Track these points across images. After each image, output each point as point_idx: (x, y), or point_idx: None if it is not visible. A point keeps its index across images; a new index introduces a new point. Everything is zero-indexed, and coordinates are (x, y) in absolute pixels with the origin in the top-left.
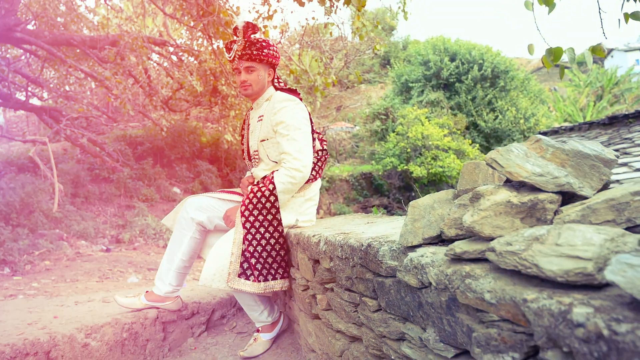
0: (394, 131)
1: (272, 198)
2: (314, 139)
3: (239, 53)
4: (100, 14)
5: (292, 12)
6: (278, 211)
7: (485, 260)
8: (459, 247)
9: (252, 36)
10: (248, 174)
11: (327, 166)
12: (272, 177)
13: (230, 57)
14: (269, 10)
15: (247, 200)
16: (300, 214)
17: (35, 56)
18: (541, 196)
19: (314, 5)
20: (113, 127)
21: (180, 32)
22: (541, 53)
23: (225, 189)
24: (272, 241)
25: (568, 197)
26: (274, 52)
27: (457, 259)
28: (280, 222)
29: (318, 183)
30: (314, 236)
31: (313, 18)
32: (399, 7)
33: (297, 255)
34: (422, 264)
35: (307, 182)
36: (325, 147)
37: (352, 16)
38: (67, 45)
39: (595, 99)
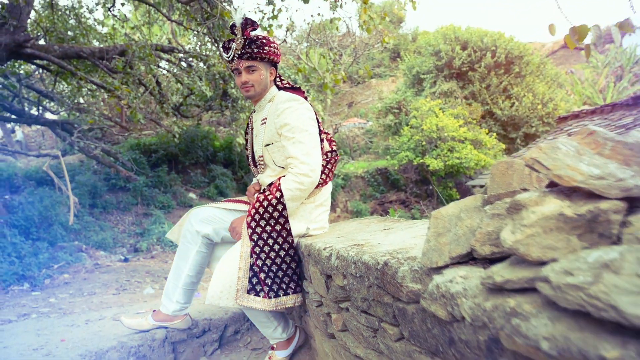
0: (407, 124)
1: (279, 207)
2: (322, 140)
3: (238, 52)
4: (109, 25)
5: (297, 10)
6: (287, 220)
7: (534, 289)
8: (500, 274)
9: (251, 33)
10: (254, 180)
11: (342, 163)
12: (279, 184)
13: (228, 58)
14: (273, 9)
15: (253, 210)
16: (311, 221)
17: (48, 70)
18: (603, 205)
19: (319, 1)
20: (127, 136)
21: (188, 38)
22: (560, 34)
23: (232, 198)
24: (282, 253)
25: (634, 204)
26: (275, 49)
27: (498, 288)
28: (289, 232)
29: (329, 187)
30: (324, 249)
31: (318, 14)
32: None
33: (308, 268)
34: (452, 293)
35: (316, 187)
36: (334, 148)
37: (358, 10)
38: (77, 58)
39: (614, 79)
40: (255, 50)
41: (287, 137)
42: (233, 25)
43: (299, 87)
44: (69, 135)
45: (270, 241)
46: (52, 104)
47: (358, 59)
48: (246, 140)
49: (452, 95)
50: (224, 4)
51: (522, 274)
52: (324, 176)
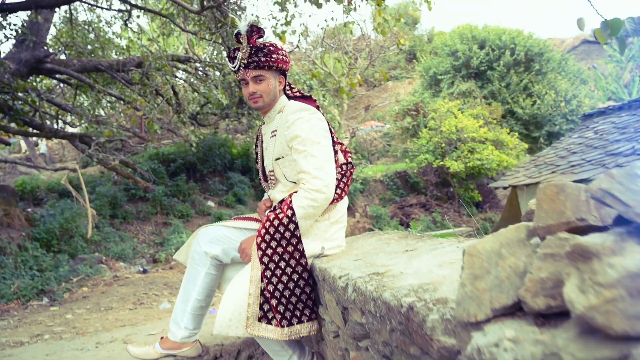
0: (426, 126)
1: (291, 226)
2: (336, 152)
3: (244, 61)
4: (127, 37)
5: (310, 15)
6: (300, 241)
7: None
8: (568, 351)
9: (257, 40)
10: (265, 196)
11: (360, 168)
12: (290, 202)
13: (234, 68)
14: (286, 16)
15: (263, 230)
16: (326, 240)
17: (68, 84)
18: None
19: (332, 5)
20: (146, 146)
21: (204, 48)
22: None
23: (242, 216)
24: (295, 277)
25: None
26: (284, 57)
27: None
28: (303, 254)
29: (344, 202)
30: (340, 277)
31: (332, 19)
32: None
33: (324, 294)
34: None
35: (331, 203)
36: (350, 159)
37: (373, 13)
38: (95, 71)
39: None
40: (263, 59)
41: (298, 150)
42: (238, 34)
43: (310, 96)
44: (87, 147)
45: (282, 264)
46: (71, 117)
47: (373, 62)
48: (256, 154)
49: (470, 96)
50: (237, 13)
51: (602, 353)
52: (339, 191)
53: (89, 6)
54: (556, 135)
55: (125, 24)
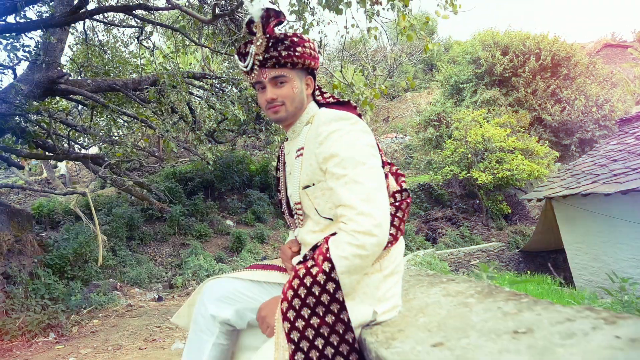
0: (450, 137)
1: (330, 286)
2: (386, 176)
3: (260, 58)
4: (143, 56)
5: (329, 22)
6: (343, 307)
7: None
8: None
9: (275, 29)
10: (291, 234)
11: None
12: (327, 250)
13: (246, 67)
14: (304, 24)
15: (291, 292)
16: (379, 300)
17: (84, 105)
18: None
19: (353, 11)
20: (163, 165)
21: (219, 64)
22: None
23: (260, 263)
24: None
25: None
26: (312, 50)
27: None
28: (348, 326)
29: (400, 245)
30: None
31: (352, 25)
32: (446, 1)
33: None
34: None
35: (384, 248)
36: (403, 184)
37: (396, 16)
38: (110, 91)
39: None
40: (284, 53)
41: (336, 174)
42: (250, 22)
43: (348, 101)
44: (102, 169)
45: (320, 342)
46: (83, 138)
47: (392, 73)
48: (277, 180)
49: (495, 104)
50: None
51: None
52: (393, 230)
53: (105, 26)
54: (589, 142)
55: (138, 41)
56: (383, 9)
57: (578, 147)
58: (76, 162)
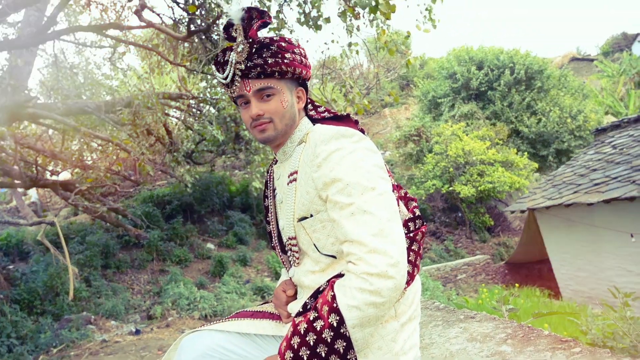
0: (430, 151)
1: (339, 344)
2: (397, 202)
3: (241, 67)
4: (118, 78)
5: (307, 40)
6: None
7: None
8: None
9: (258, 33)
10: (284, 273)
11: None
12: (334, 298)
13: (225, 79)
14: None
15: (291, 355)
16: (396, 355)
17: (55, 129)
18: None
19: (332, 28)
20: (140, 189)
21: (195, 84)
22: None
23: (246, 310)
24: None
25: None
26: (302, 57)
27: None
28: None
29: (417, 285)
30: None
31: (332, 41)
32: (425, 17)
33: None
34: None
35: None
36: (416, 210)
37: (376, 32)
38: (82, 114)
39: (633, 86)
40: (270, 61)
41: (340, 203)
42: (229, 25)
43: (348, 115)
44: (73, 195)
45: None
46: (53, 163)
47: (370, 90)
48: (266, 209)
49: (473, 117)
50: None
51: None
52: (409, 267)
53: (76, 48)
54: (565, 153)
55: (111, 62)
56: (364, 24)
57: (555, 157)
58: (46, 189)
